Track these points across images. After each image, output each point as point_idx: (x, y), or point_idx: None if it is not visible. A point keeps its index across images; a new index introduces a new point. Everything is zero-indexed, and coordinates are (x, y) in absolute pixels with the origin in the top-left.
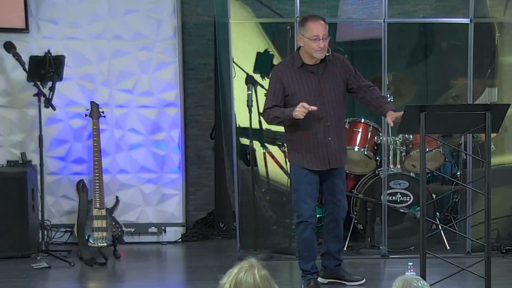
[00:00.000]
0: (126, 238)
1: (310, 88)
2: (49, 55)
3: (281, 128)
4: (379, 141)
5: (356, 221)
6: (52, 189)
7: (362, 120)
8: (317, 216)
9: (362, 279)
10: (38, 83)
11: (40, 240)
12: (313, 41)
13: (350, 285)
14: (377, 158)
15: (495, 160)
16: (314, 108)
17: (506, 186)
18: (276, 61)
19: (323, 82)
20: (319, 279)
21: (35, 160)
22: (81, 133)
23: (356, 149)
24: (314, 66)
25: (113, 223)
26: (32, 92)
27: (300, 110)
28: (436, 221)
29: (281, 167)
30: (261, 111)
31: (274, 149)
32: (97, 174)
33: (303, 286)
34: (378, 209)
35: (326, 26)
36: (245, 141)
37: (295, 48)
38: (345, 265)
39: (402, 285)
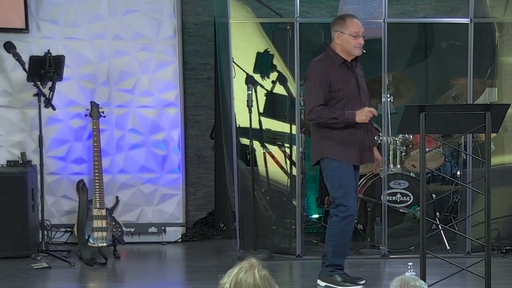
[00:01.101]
0: (126, 238)
1: (352, 84)
2: (49, 55)
3: (281, 128)
4: (379, 141)
5: (356, 221)
6: (52, 189)
7: None
8: (317, 216)
9: (363, 280)
10: (38, 83)
11: (40, 240)
12: (353, 38)
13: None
14: None
15: (495, 160)
16: (376, 112)
17: (506, 186)
18: (276, 61)
19: (358, 78)
20: (318, 281)
21: (35, 160)
22: (81, 133)
23: None
24: (350, 63)
25: (113, 223)
26: (32, 92)
27: (368, 115)
28: (436, 221)
29: (281, 167)
30: (261, 111)
31: (274, 149)
32: (97, 174)
33: (334, 279)
34: (378, 209)
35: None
36: (245, 141)
37: (295, 48)
38: (345, 265)
39: (400, 284)
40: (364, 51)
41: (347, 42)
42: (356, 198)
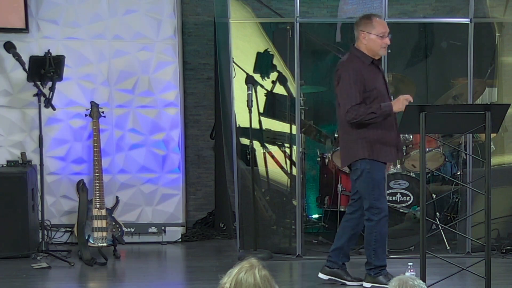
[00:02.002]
0: (126, 238)
1: (381, 83)
2: (49, 55)
3: (281, 128)
4: None
5: None
6: (52, 189)
7: None
8: (317, 216)
9: (362, 281)
10: (38, 83)
11: (40, 240)
12: (380, 38)
13: (350, 285)
14: None
15: (495, 160)
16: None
17: (506, 186)
18: (276, 61)
19: (384, 78)
20: (319, 275)
21: (35, 160)
22: (81, 133)
23: None
24: (377, 62)
25: (113, 223)
26: (32, 92)
27: (404, 103)
28: (436, 221)
29: (281, 167)
30: (261, 111)
31: (274, 149)
32: (97, 174)
33: (379, 280)
34: None
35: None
36: (245, 141)
37: (295, 48)
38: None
39: (398, 284)
40: (389, 51)
41: (374, 42)
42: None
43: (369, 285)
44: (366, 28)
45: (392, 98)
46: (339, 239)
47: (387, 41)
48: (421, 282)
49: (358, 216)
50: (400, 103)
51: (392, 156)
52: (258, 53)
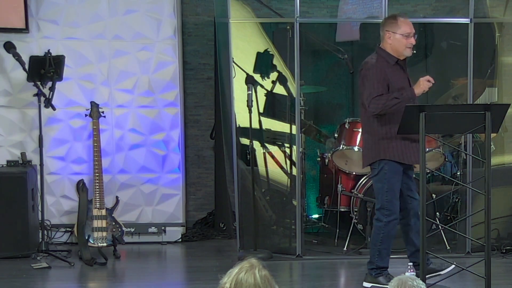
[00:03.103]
0: (126, 238)
1: (406, 83)
2: (49, 55)
3: (281, 128)
4: None
5: (356, 221)
6: (52, 189)
7: None
8: (317, 216)
9: (452, 264)
10: (38, 83)
11: (40, 240)
12: (405, 38)
13: (445, 273)
14: None
15: (495, 160)
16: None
17: (506, 186)
18: (276, 61)
19: (409, 78)
20: (364, 283)
21: (35, 160)
22: (81, 133)
23: (356, 149)
24: (402, 62)
25: (113, 223)
26: (32, 92)
27: (426, 84)
28: (436, 221)
29: (281, 167)
30: (261, 111)
31: (274, 149)
32: (97, 174)
33: (380, 281)
34: None
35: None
36: (245, 141)
37: (295, 48)
38: (346, 265)
39: (397, 284)
40: (415, 51)
41: (399, 42)
42: (398, 201)
43: (369, 285)
44: (391, 28)
45: (416, 101)
46: (410, 244)
47: (412, 41)
48: (421, 282)
49: (406, 215)
50: (421, 85)
51: (414, 157)
52: (258, 53)
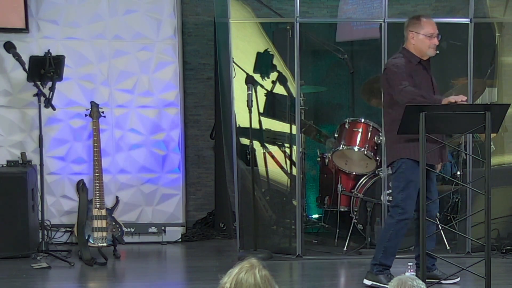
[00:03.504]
0: (126, 238)
1: (428, 84)
2: (49, 55)
3: (281, 128)
4: (379, 141)
5: (356, 221)
6: (52, 189)
7: (362, 120)
8: (317, 216)
9: (457, 278)
10: (38, 83)
11: (40, 240)
12: (428, 38)
13: (446, 283)
14: (377, 158)
15: (495, 160)
16: (465, 97)
17: (506, 186)
18: (276, 61)
19: (432, 79)
20: (364, 281)
21: (35, 160)
22: (81, 133)
23: (356, 149)
24: (425, 63)
25: (113, 223)
26: (32, 92)
27: (458, 99)
28: (436, 221)
29: (281, 167)
30: (261, 111)
31: (274, 149)
32: (97, 174)
33: (380, 279)
34: (378, 209)
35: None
36: (245, 141)
37: (295, 48)
38: (346, 265)
39: (397, 284)
40: (438, 52)
41: (422, 42)
42: (415, 202)
43: (369, 282)
44: (414, 28)
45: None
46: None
47: (435, 41)
48: (421, 282)
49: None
50: (451, 99)
51: (435, 157)
52: (258, 53)
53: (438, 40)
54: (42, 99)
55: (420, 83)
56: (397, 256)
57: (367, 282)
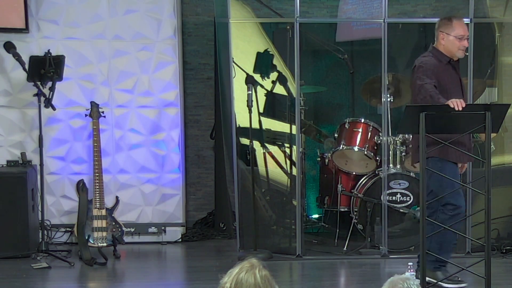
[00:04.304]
0: (126, 238)
1: (456, 83)
2: (49, 55)
3: (281, 128)
4: (379, 141)
5: (356, 221)
6: (52, 189)
7: (362, 120)
8: (317, 216)
9: (465, 283)
10: (38, 83)
11: (40, 240)
12: (458, 40)
13: (446, 286)
14: (377, 158)
15: (495, 160)
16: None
17: (506, 186)
18: (276, 61)
19: (461, 79)
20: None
21: (35, 160)
22: (81, 133)
23: (356, 149)
24: (455, 63)
25: (113, 223)
26: (32, 92)
27: (457, 103)
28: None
29: (281, 167)
30: (261, 111)
31: (274, 149)
32: (97, 174)
33: (436, 275)
34: (378, 209)
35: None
36: (245, 141)
37: (295, 48)
38: (346, 265)
39: (388, 287)
40: (467, 54)
41: (452, 44)
42: (462, 195)
43: (426, 279)
44: (445, 29)
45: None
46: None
47: (465, 43)
48: (413, 282)
49: (436, 218)
50: (453, 102)
51: (463, 157)
52: (258, 53)
53: (468, 42)
54: (42, 99)
55: (448, 83)
56: (397, 256)
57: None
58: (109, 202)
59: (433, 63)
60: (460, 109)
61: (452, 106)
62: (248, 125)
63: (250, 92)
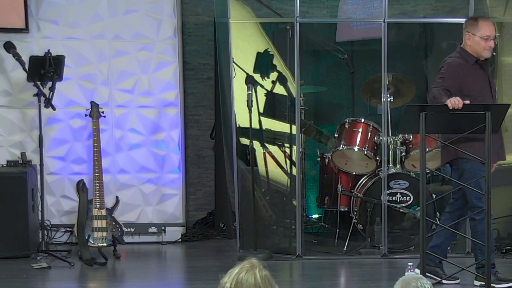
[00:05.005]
0: (126, 238)
1: (484, 83)
2: (49, 55)
3: (281, 128)
4: (379, 141)
5: (356, 221)
6: (52, 189)
7: (362, 120)
8: (317, 216)
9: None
10: (38, 83)
11: (40, 240)
12: (484, 41)
13: (446, 283)
14: (377, 158)
15: None
16: (467, 101)
17: (506, 186)
18: (276, 61)
19: (489, 79)
20: (415, 270)
21: (35, 160)
22: (81, 133)
23: (356, 149)
24: (483, 62)
25: (113, 223)
26: (32, 92)
27: (455, 103)
28: (436, 221)
29: (281, 167)
30: (261, 111)
31: (274, 149)
32: (97, 174)
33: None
34: (378, 209)
35: (495, 27)
36: (245, 141)
37: (295, 48)
38: (346, 265)
39: (401, 286)
40: (494, 53)
41: (478, 44)
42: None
43: (479, 283)
44: (471, 29)
45: (495, 100)
46: (438, 237)
47: (491, 44)
48: (426, 281)
49: (457, 216)
50: (450, 101)
51: (493, 156)
52: (258, 53)
53: (494, 43)
54: (42, 99)
55: (473, 83)
56: (397, 256)
57: (476, 283)
58: (109, 202)
59: (458, 63)
60: (458, 108)
61: (450, 105)
62: (248, 125)
63: (250, 92)
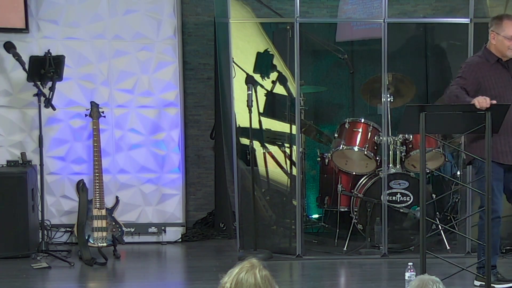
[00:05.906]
0: (126, 238)
1: (505, 82)
2: (49, 55)
3: (281, 128)
4: (379, 141)
5: (356, 221)
6: (52, 189)
7: (362, 120)
8: (317, 216)
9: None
10: (38, 83)
11: (40, 240)
12: (508, 40)
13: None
14: (377, 158)
15: None
16: (494, 102)
17: None
18: (276, 61)
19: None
20: (474, 282)
21: (35, 160)
22: (81, 133)
23: (356, 149)
24: (506, 62)
25: (113, 223)
26: (32, 92)
27: (483, 102)
28: (436, 221)
29: (281, 167)
30: (261, 111)
31: (274, 149)
32: (97, 174)
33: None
34: (378, 209)
35: None
36: (245, 141)
37: (295, 48)
38: (345, 265)
39: (418, 285)
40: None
41: (501, 43)
42: (502, 200)
43: (478, 283)
44: (496, 28)
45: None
46: (493, 258)
47: None
48: (442, 286)
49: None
50: (478, 101)
51: (504, 157)
52: (258, 53)
53: None
54: (42, 99)
55: (494, 82)
56: (397, 256)
57: (476, 283)
58: (109, 202)
59: (476, 62)
60: (484, 107)
61: (478, 105)
62: (248, 125)
63: (250, 92)
